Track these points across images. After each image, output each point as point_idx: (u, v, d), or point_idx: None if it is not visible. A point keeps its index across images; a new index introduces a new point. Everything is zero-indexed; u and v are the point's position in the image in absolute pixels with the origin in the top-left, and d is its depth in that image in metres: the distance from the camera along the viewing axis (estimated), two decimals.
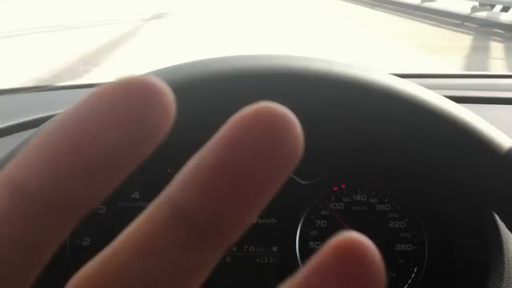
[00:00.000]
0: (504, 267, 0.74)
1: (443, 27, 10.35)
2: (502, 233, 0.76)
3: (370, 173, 1.03)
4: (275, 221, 1.01)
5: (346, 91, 0.62)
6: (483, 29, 9.94)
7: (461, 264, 0.88)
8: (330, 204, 1.03)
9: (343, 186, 1.03)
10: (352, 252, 0.19)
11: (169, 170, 1.01)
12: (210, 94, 0.63)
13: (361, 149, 0.90)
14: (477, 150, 0.59)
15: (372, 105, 0.62)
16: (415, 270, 0.99)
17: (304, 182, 1.02)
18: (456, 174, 0.65)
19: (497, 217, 0.76)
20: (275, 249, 1.00)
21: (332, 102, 0.64)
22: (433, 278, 0.97)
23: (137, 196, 1.01)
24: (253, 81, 0.64)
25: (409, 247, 1.00)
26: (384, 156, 0.90)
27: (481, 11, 11.49)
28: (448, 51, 7.46)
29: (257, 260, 1.00)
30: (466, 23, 10.44)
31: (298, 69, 0.64)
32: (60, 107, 1.07)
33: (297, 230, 1.01)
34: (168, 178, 0.94)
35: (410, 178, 0.96)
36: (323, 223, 1.02)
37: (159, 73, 0.66)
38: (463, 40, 8.76)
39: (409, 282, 0.99)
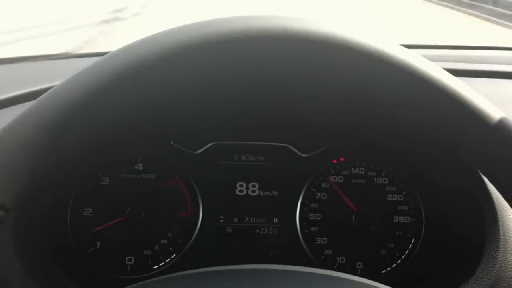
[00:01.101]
0: (500, 238, 0.75)
1: None
2: (497, 205, 0.76)
3: (368, 147, 1.04)
4: (276, 194, 1.03)
5: (342, 58, 0.61)
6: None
7: (457, 235, 0.89)
8: (330, 177, 1.04)
9: (342, 159, 1.05)
10: None
11: (171, 142, 1.04)
12: (204, 61, 0.62)
13: (359, 123, 0.90)
14: (467, 119, 0.59)
15: (368, 72, 0.61)
16: (412, 241, 1.01)
17: (304, 155, 1.04)
18: (448, 142, 0.65)
19: (492, 188, 0.77)
20: (275, 220, 1.02)
21: (328, 71, 0.62)
22: (430, 249, 0.99)
23: (141, 168, 1.02)
24: (236, 47, 0.62)
25: (407, 219, 1.02)
26: (380, 129, 0.91)
27: None
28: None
29: (257, 230, 1.01)
30: None
31: (294, 32, 0.60)
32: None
33: (297, 202, 1.02)
34: (170, 150, 0.92)
35: (406, 151, 0.97)
36: (323, 196, 1.03)
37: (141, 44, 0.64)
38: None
39: (406, 252, 1.01)
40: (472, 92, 0.60)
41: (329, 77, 0.64)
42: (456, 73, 0.65)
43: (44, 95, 0.59)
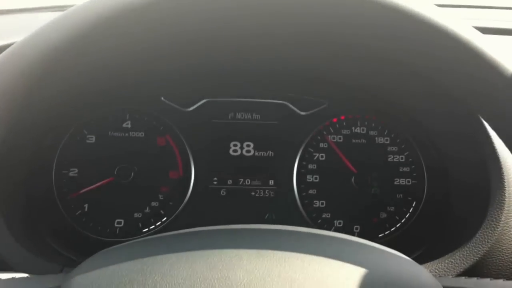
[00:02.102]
0: (505, 200, 0.73)
1: None
2: (504, 166, 0.74)
3: (371, 104, 0.99)
4: (272, 154, 0.98)
5: (346, 5, 0.57)
6: None
7: (460, 198, 0.87)
8: (329, 136, 1.00)
9: (343, 117, 1.00)
10: None
11: (162, 98, 0.98)
12: (193, 8, 0.58)
13: (365, 76, 0.85)
14: (481, 67, 0.56)
15: (376, 20, 0.57)
16: (413, 205, 0.98)
17: (302, 113, 0.99)
18: (457, 89, 0.62)
19: (499, 149, 0.74)
20: (271, 182, 0.98)
21: (328, 20, 0.58)
22: (431, 212, 0.96)
23: (129, 126, 0.97)
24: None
25: (408, 181, 0.99)
26: (386, 81, 0.86)
27: None
28: None
29: (253, 193, 0.97)
30: None
31: None
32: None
33: (294, 163, 0.98)
34: (161, 107, 0.85)
35: (411, 107, 0.93)
36: (322, 156, 0.99)
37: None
38: None
39: (407, 216, 0.98)
40: (487, 41, 0.56)
41: (335, 23, 0.58)
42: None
43: (22, 40, 0.55)
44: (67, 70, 0.58)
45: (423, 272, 0.52)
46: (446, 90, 0.65)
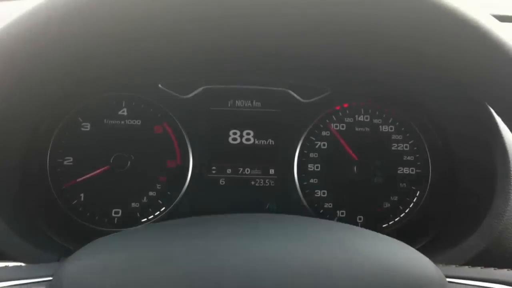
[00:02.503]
0: (511, 188, 0.70)
1: None
2: (511, 156, 0.72)
3: (375, 91, 0.96)
4: (273, 142, 0.96)
5: None
6: None
7: (464, 188, 0.85)
8: (332, 124, 0.97)
9: (346, 105, 0.98)
10: None
11: (159, 85, 0.95)
12: None
13: (371, 60, 0.82)
14: (490, 52, 0.54)
15: (385, 5, 0.55)
16: (417, 194, 0.96)
17: (304, 101, 0.96)
18: (466, 74, 0.60)
19: (506, 138, 0.72)
20: (271, 171, 0.96)
21: (336, 3, 0.56)
22: (435, 202, 0.94)
23: (125, 113, 0.94)
24: None
25: (412, 170, 0.96)
26: (393, 66, 0.83)
27: None
28: None
29: (253, 182, 0.95)
30: None
31: None
32: None
33: (295, 151, 0.96)
34: (158, 94, 0.83)
35: (416, 93, 0.90)
36: (324, 145, 0.97)
37: None
38: None
39: (410, 206, 0.96)
40: (495, 24, 0.54)
41: (342, 7, 0.56)
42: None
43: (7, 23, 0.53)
44: (58, 52, 0.56)
45: (426, 262, 0.50)
46: (453, 75, 0.63)
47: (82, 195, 0.92)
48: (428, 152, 0.96)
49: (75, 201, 0.92)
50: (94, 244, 0.51)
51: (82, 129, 0.93)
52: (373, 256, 0.48)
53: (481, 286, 0.51)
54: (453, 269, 0.56)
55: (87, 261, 0.47)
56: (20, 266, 0.55)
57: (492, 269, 0.55)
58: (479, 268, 0.56)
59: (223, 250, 0.46)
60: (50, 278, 0.48)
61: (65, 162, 0.92)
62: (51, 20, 0.52)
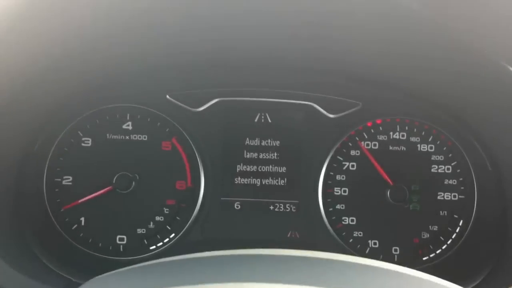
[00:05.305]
0: None
1: None
2: None
3: (413, 106, 0.87)
4: (295, 163, 0.88)
5: None
6: None
7: None
8: (362, 142, 0.88)
9: (379, 121, 0.89)
10: None
11: (168, 96, 0.89)
12: None
13: (408, 72, 0.75)
14: None
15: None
16: (460, 224, 0.87)
17: (332, 116, 0.88)
18: None
19: None
20: (294, 195, 0.87)
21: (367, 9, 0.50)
22: (481, 233, 0.85)
23: (130, 128, 0.87)
24: None
25: (455, 196, 0.87)
26: (435, 75, 0.75)
27: None
28: None
29: (272, 207, 0.87)
30: None
31: None
32: None
33: (320, 173, 0.87)
34: (167, 106, 0.81)
35: (461, 108, 0.81)
36: (352, 166, 0.88)
37: None
38: None
39: (453, 237, 0.86)
40: None
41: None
42: None
43: None
44: (57, 52, 0.54)
45: None
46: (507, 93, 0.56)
47: (82, 219, 0.86)
48: (473, 175, 0.87)
49: (75, 226, 0.86)
50: (95, 283, 0.48)
51: (83, 144, 0.87)
52: None
53: None
54: None
55: None
56: None
57: None
58: None
59: None
60: None
61: (64, 182, 0.86)
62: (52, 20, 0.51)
